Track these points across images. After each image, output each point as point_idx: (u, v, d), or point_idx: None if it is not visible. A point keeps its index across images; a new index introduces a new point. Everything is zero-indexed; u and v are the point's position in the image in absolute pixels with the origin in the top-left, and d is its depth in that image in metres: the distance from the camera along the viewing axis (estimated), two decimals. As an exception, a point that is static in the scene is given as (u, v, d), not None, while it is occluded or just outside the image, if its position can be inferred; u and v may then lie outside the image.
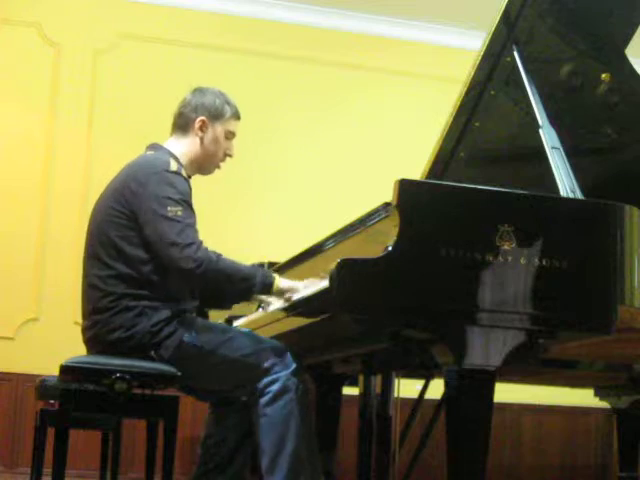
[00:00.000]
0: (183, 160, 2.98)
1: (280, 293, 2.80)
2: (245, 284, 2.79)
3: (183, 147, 3.01)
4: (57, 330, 5.45)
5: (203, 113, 3.01)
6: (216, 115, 3.01)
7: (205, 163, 3.04)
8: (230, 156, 3.08)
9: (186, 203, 2.81)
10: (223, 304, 3.32)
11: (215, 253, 2.77)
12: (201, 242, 2.76)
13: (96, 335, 2.81)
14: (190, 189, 2.88)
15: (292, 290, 2.78)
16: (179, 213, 2.76)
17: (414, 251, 2.35)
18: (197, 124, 3.00)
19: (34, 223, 5.69)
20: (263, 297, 3.07)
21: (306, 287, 2.73)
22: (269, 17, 6.23)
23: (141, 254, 2.81)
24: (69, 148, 5.80)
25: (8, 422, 5.44)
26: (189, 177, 2.97)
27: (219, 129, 3.02)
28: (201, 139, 3.01)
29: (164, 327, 2.77)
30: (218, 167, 3.09)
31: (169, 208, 2.76)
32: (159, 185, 2.79)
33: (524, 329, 2.40)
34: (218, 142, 3.03)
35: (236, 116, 3.07)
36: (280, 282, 2.81)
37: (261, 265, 3.78)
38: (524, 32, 3.05)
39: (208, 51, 6.04)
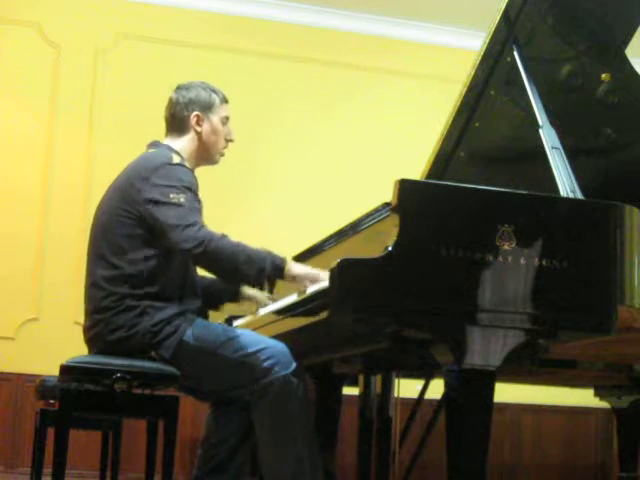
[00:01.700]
0: (185, 155, 2.99)
1: (294, 279, 2.72)
2: (254, 265, 2.70)
3: (182, 144, 3.01)
4: (57, 330, 5.45)
5: (195, 108, 3.02)
6: (208, 106, 3.03)
7: (209, 154, 3.05)
8: (232, 141, 3.10)
9: (190, 190, 2.80)
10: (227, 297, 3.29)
11: (220, 233, 2.74)
12: (204, 224, 2.75)
13: (97, 334, 2.81)
14: (195, 179, 2.89)
15: (308, 278, 2.69)
16: (182, 199, 2.76)
17: (414, 251, 2.35)
18: (193, 120, 3.01)
19: (34, 223, 5.69)
20: (257, 295, 3.07)
21: (325, 275, 2.55)
22: (269, 17, 6.23)
23: (145, 253, 2.81)
24: (69, 148, 5.80)
25: (8, 422, 5.44)
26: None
27: (214, 119, 3.04)
28: (199, 134, 3.02)
29: (165, 327, 2.77)
30: (222, 154, 3.10)
31: (172, 195, 2.76)
32: (162, 178, 2.80)
33: (524, 329, 2.40)
34: (217, 131, 3.04)
35: (224, 100, 3.08)
36: (293, 267, 2.73)
37: None
38: (524, 32, 3.05)
39: (208, 51, 6.04)
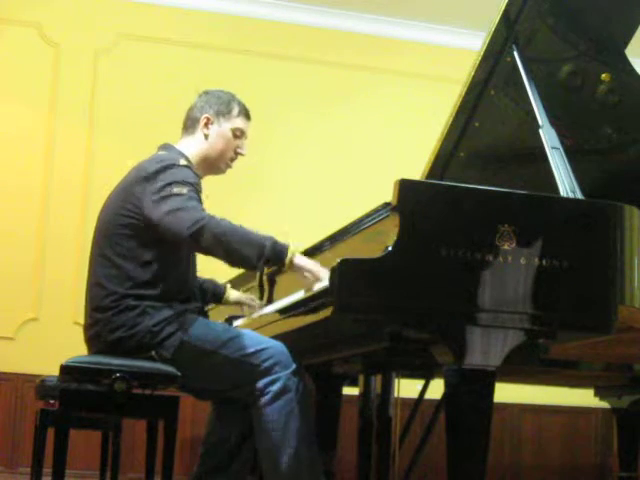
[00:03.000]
0: (193, 160, 3.00)
1: (295, 269, 2.69)
2: (254, 246, 2.68)
3: (191, 146, 3.02)
4: (57, 330, 5.45)
5: (208, 111, 3.03)
6: (222, 112, 3.03)
7: (214, 161, 3.04)
8: (241, 154, 3.08)
9: (193, 187, 2.80)
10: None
11: (221, 217, 2.73)
12: (203, 209, 2.75)
13: (97, 334, 2.82)
14: (200, 182, 2.90)
15: (310, 271, 2.67)
16: (184, 191, 2.76)
17: (414, 251, 2.35)
18: (202, 121, 3.02)
19: (34, 223, 5.69)
20: (244, 299, 3.07)
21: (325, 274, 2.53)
22: (269, 17, 6.23)
23: (148, 254, 2.82)
24: (69, 148, 5.80)
25: (8, 422, 5.44)
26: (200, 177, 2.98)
27: (225, 125, 3.03)
28: (206, 135, 3.02)
29: (165, 327, 2.77)
30: (229, 166, 3.09)
31: (175, 190, 2.76)
32: (166, 177, 2.80)
33: (524, 329, 2.40)
34: (225, 139, 3.03)
35: (244, 114, 3.07)
36: (296, 256, 2.70)
37: None
38: (524, 32, 3.05)
39: (208, 51, 6.04)
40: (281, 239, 2.75)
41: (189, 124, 3.05)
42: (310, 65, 6.25)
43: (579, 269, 2.44)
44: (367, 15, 6.33)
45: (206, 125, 3.02)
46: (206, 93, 3.08)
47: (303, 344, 2.96)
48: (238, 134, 3.05)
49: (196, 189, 2.82)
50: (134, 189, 2.85)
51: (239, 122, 3.05)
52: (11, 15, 5.87)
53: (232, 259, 2.77)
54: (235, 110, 3.04)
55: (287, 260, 2.69)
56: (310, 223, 5.38)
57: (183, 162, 2.90)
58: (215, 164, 3.06)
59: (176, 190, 2.76)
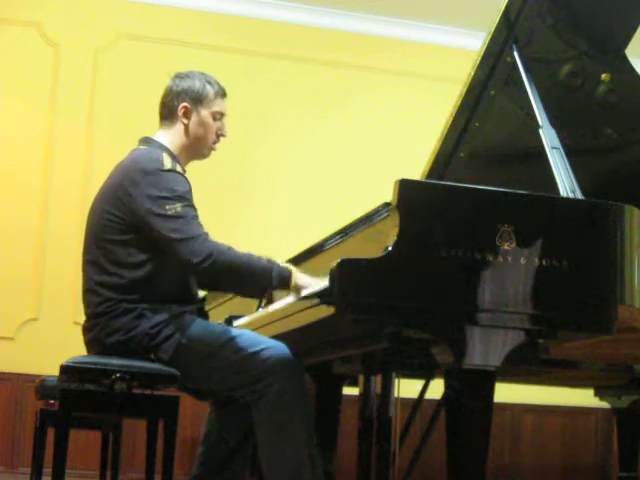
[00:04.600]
0: (175, 151, 2.93)
1: (298, 290, 2.68)
2: (261, 278, 2.69)
3: (172, 137, 2.95)
4: (57, 330, 5.45)
5: (184, 99, 2.94)
6: (198, 99, 2.95)
7: (197, 148, 2.98)
8: (223, 136, 3.02)
9: (184, 199, 2.76)
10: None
11: (225, 244, 2.72)
12: (207, 234, 2.72)
13: (96, 337, 2.81)
14: (189, 184, 2.84)
15: (310, 287, 2.65)
16: (179, 209, 2.72)
17: (414, 251, 2.35)
18: (180, 111, 2.95)
19: (34, 223, 5.69)
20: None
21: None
22: (269, 17, 6.23)
23: (139, 258, 2.79)
24: (69, 147, 5.81)
25: (8, 422, 5.44)
26: (184, 170, 2.93)
27: (204, 112, 2.95)
28: (186, 126, 2.95)
29: (163, 329, 2.76)
30: (213, 149, 3.02)
31: (168, 207, 2.72)
32: (154, 186, 2.75)
33: (524, 329, 2.40)
34: (206, 125, 2.96)
35: (220, 95, 2.99)
36: (298, 277, 2.70)
37: None
38: (524, 32, 3.05)
39: (208, 51, 6.04)
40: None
41: (166, 113, 2.97)
42: (310, 65, 6.25)
43: (579, 269, 2.44)
44: (367, 15, 6.33)
45: (185, 115, 2.94)
46: (180, 77, 2.99)
47: (303, 344, 2.96)
48: (218, 117, 2.98)
49: (188, 200, 2.78)
50: (119, 193, 2.80)
51: (217, 105, 2.97)
52: (11, 15, 5.87)
53: (238, 291, 2.89)
54: (211, 93, 2.96)
55: (292, 285, 2.69)
56: (310, 223, 5.39)
57: (167, 163, 2.82)
58: (199, 151, 3.00)
59: (170, 209, 2.71)
